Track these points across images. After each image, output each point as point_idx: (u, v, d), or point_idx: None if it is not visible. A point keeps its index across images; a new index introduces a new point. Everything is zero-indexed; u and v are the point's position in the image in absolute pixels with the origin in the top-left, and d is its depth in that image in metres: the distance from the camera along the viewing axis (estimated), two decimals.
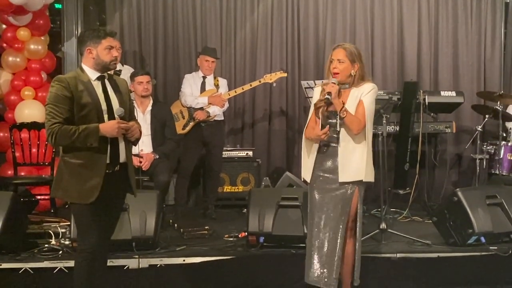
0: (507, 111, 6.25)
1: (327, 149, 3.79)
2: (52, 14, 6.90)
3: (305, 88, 6.35)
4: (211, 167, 6.18)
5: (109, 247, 3.69)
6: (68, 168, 3.36)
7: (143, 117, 5.48)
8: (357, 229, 3.81)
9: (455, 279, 4.50)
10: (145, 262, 4.38)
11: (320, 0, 7.13)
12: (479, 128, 6.13)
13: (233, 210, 6.44)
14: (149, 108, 5.58)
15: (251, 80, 6.55)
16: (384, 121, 5.21)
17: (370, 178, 3.81)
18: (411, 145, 6.17)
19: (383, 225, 4.91)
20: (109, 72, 3.54)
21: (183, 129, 5.98)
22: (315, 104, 3.78)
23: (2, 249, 4.45)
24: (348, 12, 7.14)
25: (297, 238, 4.58)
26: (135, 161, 4.84)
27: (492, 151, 6.16)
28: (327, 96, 3.63)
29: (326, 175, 3.80)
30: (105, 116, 3.38)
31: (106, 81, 3.48)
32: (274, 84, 6.30)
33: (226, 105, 6.14)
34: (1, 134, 6.33)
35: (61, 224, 4.97)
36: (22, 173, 6.07)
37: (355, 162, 3.73)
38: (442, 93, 6.54)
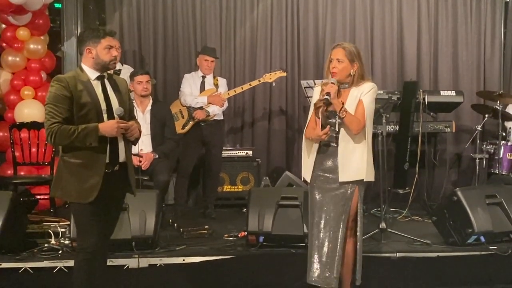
0: (506, 110, 6.25)
1: (327, 149, 3.79)
2: (52, 13, 6.90)
3: (304, 87, 6.35)
4: (210, 166, 6.18)
5: (108, 246, 3.69)
6: (68, 168, 3.36)
7: (143, 117, 5.48)
8: (358, 228, 3.81)
9: (454, 278, 4.50)
10: (144, 262, 4.38)
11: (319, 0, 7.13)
12: (479, 127, 6.14)
13: (233, 210, 6.44)
14: (149, 107, 5.58)
15: (251, 80, 6.54)
16: (384, 121, 5.21)
17: (370, 177, 3.81)
18: (411, 144, 6.17)
19: (382, 225, 4.91)
20: (108, 72, 3.54)
21: (182, 128, 5.98)
22: (314, 104, 3.78)
23: (2, 248, 4.45)
24: (347, 11, 7.14)
25: (296, 238, 4.59)
26: (135, 160, 4.84)
27: (492, 150, 6.17)
28: (326, 96, 3.63)
29: (326, 174, 3.80)
30: (105, 116, 3.38)
31: (106, 81, 3.48)
32: (274, 84, 6.31)
33: (226, 104, 6.14)
34: (1, 134, 6.33)
35: (60, 223, 4.96)
36: (22, 173, 6.07)
37: (355, 162, 3.73)
38: (442, 92, 6.54)
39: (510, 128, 6.19)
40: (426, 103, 6.08)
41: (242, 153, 6.76)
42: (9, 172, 6.07)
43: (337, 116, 3.63)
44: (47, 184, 5.73)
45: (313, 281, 3.78)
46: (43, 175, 5.99)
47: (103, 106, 3.39)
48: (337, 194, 3.77)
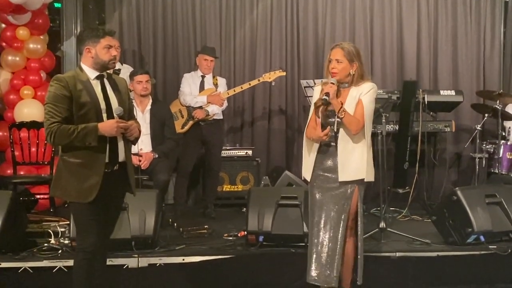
0: (506, 110, 6.26)
1: (327, 148, 3.80)
2: (52, 13, 6.89)
3: (304, 87, 6.35)
4: (210, 166, 6.18)
5: (108, 246, 3.69)
6: (67, 167, 3.36)
7: (143, 116, 5.48)
8: (358, 228, 3.82)
9: (454, 278, 4.51)
10: (144, 261, 4.38)
11: None
12: (479, 127, 6.14)
13: (233, 209, 6.43)
14: (149, 107, 5.58)
15: (250, 79, 6.54)
16: (384, 120, 5.21)
17: (370, 177, 3.82)
18: (411, 144, 6.17)
19: (382, 224, 4.91)
20: (108, 71, 3.54)
21: (182, 128, 5.98)
22: (315, 104, 3.79)
23: (2, 248, 4.45)
24: (347, 11, 7.14)
25: (296, 237, 4.59)
26: (134, 160, 4.84)
27: (492, 150, 6.18)
28: (325, 96, 3.63)
29: (326, 174, 3.81)
30: (104, 115, 3.38)
31: (105, 80, 3.48)
32: (273, 83, 6.32)
33: (225, 104, 6.14)
34: (1, 133, 6.32)
35: (60, 223, 4.96)
36: (22, 172, 6.07)
37: (354, 161, 3.74)
38: (442, 92, 6.54)
39: (509, 127, 6.19)
40: (426, 102, 6.08)
41: (241, 152, 6.77)
42: (8, 171, 6.07)
43: (336, 116, 3.64)
44: (47, 183, 5.72)
45: (313, 281, 3.79)
46: (42, 175, 5.99)
47: (103, 105, 3.39)
48: (337, 194, 3.77)
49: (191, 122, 5.99)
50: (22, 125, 5.99)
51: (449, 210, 4.77)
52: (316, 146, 3.83)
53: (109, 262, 3.89)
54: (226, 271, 4.46)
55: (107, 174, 3.35)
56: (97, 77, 3.44)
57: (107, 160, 3.37)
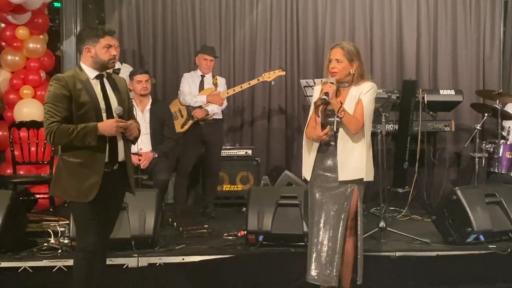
0: (505, 109, 6.26)
1: (327, 148, 3.80)
2: (51, 12, 6.89)
3: (304, 86, 6.35)
4: (210, 165, 6.18)
5: (108, 245, 3.69)
6: (67, 167, 3.36)
7: (142, 116, 5.48)
8: (358, 227, 3.82)
9: (454, 277, 4.51)
10: (144, 261, 4.38)
11: None
12: (478, 126, 6.14)
13: (232, 209, 6.44)
14: (148, 106, 5.58)
15: (250, 79, 6.54)
16: (383, 120, 5.21)
17: (370, 177, 3.82)
18: (410, 143, 6.17)
19: (382, 224, 4.91)
20: (107, 71, 3.54)
21: (181, 127, 5.97)
22: (314, 103, 3.79)
23: (1, 247, 4.44)
24: (347, 10, 7.15)
25: (296, 237, 4.59)
26: (134, 159, 4.84)
27: (491, 149, 6.18)
28: (324, 96, 3.64)
29: (326, 173, 3.81)
30: (104, 115, 3.38)
31: (105, 80, 3.48)
32: (273, 83, 6.32)
33: (225, 103, 6.14)
34: (0, 133, 6.32)
35: (60, 223, 4.95)
36: (21, 172, 6.06)
37: (354, 161, 3.74)
38: (441, 91, 6.54)
39: (509, 127, 6.19)
40: (426, 102, 6.08)
41: (241, 152, 6.77)
42: (8, 171, 6.07)
43: (336, 116, 3.64)
44: (47, 183, 5.72)
45: (312, 280, 3.79)
46: (42, 174, 5.99)
47: (102, 105, 3.39)
48: (337, 193, 3.78)
49: (190, 122, 5.99)
50: (21, 124, 5.99)
51: (449, 209, 4.77)
52: (316, 145, 3.83)
53: (109, 261, 3.89)
54: (226, 270, 4.46)
55: (106, 174, 3.35)
56: (96, 77, 3.44)
57: (106, 160, 3.37)
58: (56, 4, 7.00)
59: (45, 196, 5.83)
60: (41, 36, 6.40)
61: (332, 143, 3.77)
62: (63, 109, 3.28)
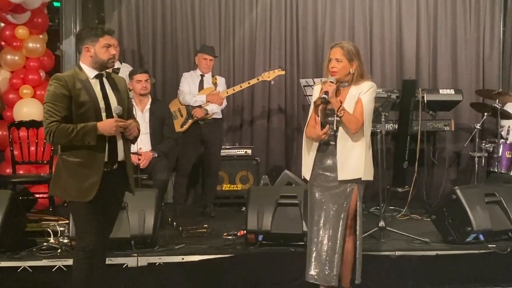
0: (505, 108, 6.25)
1: (326, 147, 3.80)
2: (51, 12, 6.89)
3: (303, 86, 6.35)
4: (209, 165, 6.18)
5: (107, 245, 3.69)
6: (66, 167, 3.35)
7: (142, 115, 5.48)
8: (357, 227, 3.82)
9: (453, 277, 4.50)
10: (143, 261, 4.38)
11: None
12: (478, 126, 6.14)
13: (232, 209, 6.44)
14: (148, 106, 5.57)
15: (250, 78, 6.54)
16: (383, 119, 5.21)
17: (369, 176, 3.82)
18: (410, 143, 6.17)
19: (381, 223, 4.91)
20: (107, 70, 3.54)
21: (181, 127, 5.97)
22: (314, 102, 3.80)
23: (1, 247, 4.44)
24: (347, 10, 7.15)
25: (295, 236, 4.59)
26: (134, 159, 4.84)
27: (491, 149, 6.18)
28: (324, 95, 3.64)
29: (325, 173, 3.81)
30: (103, 115, 3.38)
31: (104, 79, 3.47)
32: (272, 82, 6.33)
33: (224, 103, 6.14)
34: (0, 133, 6.32)
35: (59, 222, 4.95)
36: (21, 172, 6.06)
37: (354, 160, 3.74)
38: (441, 91, 6.54)
39: (509, 126, 6.19)
40: (425, 101, 6.08)
41: (241, 151, 6.76)
42: (8, 171, 6.07)
43: (335, 115, 3.65)
44: (46, 183, 5.73)
45: (312, 279, 3.79)
46: (42, 174, 5.99)
47: (102, 104, 3.39)
48: (337, 193, 3.78)
49: (190, 121, 5.99)
50: (21, 124, 5.99)
51: (449, 209, 4.77)
52: (315, 145, 3.83)
53: (108, 261, 3.89)
54: (225, 270, 4.45)
55: (106, 173, 3.35)
56: (96, 76, 3.43)
57: (106, 159, 3.37)
58: (56, 4, 7.00)
59: (45, 195, 5.83)
60: (40, 36, 6.40)
61: (331, 142, 3.77)
62: (62, 109, 3.28)
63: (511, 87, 7.15)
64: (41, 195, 5.89)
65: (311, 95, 4.03)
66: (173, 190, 6.20)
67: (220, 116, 6.23)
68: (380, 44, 7.18)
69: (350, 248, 3.84)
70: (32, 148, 5.97)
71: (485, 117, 6.18)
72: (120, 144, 3.44)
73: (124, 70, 6.04)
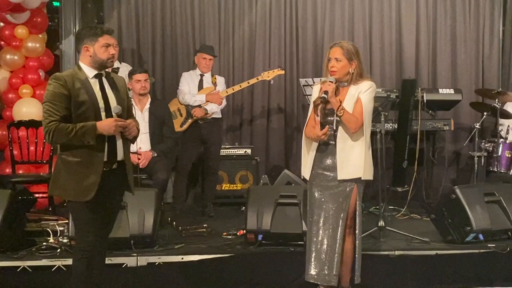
0: (504, 108, 6.26)
1: (326, 147, 3.80)
2: (50, 11, 6.89)
3: (303, 85, 6.35)
4: (209, 165, 6.17)
5: (107, 245, 3.69)
6: (66, 166, 3.35)
7: (141, 115, 5.48)
8: (357, 226, 3.82)
9: (453, 276, 4.50)
10: (143, 260, 4.38)
11: None
12: (477, 125, 6.14)
13: (232, 208, 6.44)
14: (147, 106, 5.57)
15: (249, 78, 6.54)
16: (383, 119, 5.21)
17: (369, 176, 3.82)
18: (410, 142, 6.16)
19: (381, 223, 4.91)
20: (106, 70, 3.53)
21: (180, 127, 5.97)
22: (313, 102, 3.80)
23: (0, 247, 4.45)
24: (346, 9, 7.14)
25: (295, 236, 4.59)
26: (133, 158, 4.83)
27: (490, 148, 6.17)
28: (323, 95, 3.64)
29: (325, 172, 3.81)
30: (103, 114, 3.37)
31: (104, 79, 3.47)
32: (272, 82, 6.33)
33: (224, 102, 6.14)
34: None
35: (59, 222, 4.96)
36: (20, 171, 6.06)
37: (353, 159, 3.74)
38: (440, 90, 6.54)
39: (508, 126, 6.19)
40: (425, 101, 6.07)
41: (240, 151, 6.76)
42: (7, 170, 6.06)
43: (335, 114, 3.65)
44: (46, 182, 5.72)
45: (312, 279, 3.80)
46: (41, 174, 5.99)
47: (101, 104, 3.39)
48: (336, 192, 3.78)
49: (190, 121, 5.99)
50: (20, 124, 5.99)
51: (448, 208, 4.77)
52: (315, 144, 3.83)
53: (108, 261, 3.90)
54: (225, 270, 4.45)
55: (105, 173, 3.35)
56: (95, 76, 3.43)
57: (105, 159, 3.37)
58: (55, 3, 7.00)
59: (44, 195, 5.83)
60: (40, 35, 6.40)
61: (331, 142, 3.77)
62: (61, 108, 3.28)
63: (511, 86, 7.15)
64: (40, 195, 5.89)
65: (311, 95, 4.02)
66: (173, 189, 6.20)
67: (220, 116, 6.23)
68: (379, 44, 7.17)
69: (349, 248, 3.84)
70: (32, 148, 5.97)
71: (484, 116, 6.17)
72: (119, 143, 3.44)
73: (124, 69, 6.03)
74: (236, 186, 6.66)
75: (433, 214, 4.99)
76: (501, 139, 6.09)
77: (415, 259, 4.53)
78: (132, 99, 5.07)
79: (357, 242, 3.83)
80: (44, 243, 4.60)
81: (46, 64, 6.51)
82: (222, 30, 7.13)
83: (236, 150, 6.76)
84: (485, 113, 6.16)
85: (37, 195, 5.86)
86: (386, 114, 5.36)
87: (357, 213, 3.81)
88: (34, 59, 6.36)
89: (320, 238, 3.78)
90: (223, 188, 6.62)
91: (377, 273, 4.40)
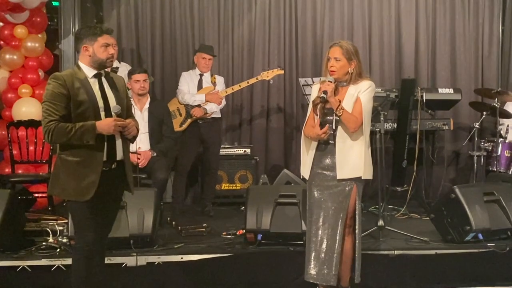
0: (504, 108, 6.26)
1: (325, 146, 3.80)
2: (50, 11, 6.88)
3: (302, 85, 6.35)
4: (208, 164, 6.18)
5: (106, 244, 3.69)
6: (65, 166, 3.35)
7: (141, 115, 5.48)
8: (356, 226, 3.82)
9: (452, 276, 4.51)
10: (142, 260, 4.38)
11: None
12: (477, 125, 6.14)
13: (231, 208, 6.44)
14: (147, 105, 5.58)
15: (249, 78, 6.55)
16: (382, 119, 5.21)
17: (368, 175, 3.82)
18: (409, 142, 6.16)
19: (380, 222, 4.92)
20: (106, 70, 3.53)
21: (180, 126, 5.97)
22: (313, 101, 3.80)
23: (0, 247, 4.45)
24: (345, 9, 7.14)
25: (295, 235, 4.59)
26: (133, 158, 4.83)
27: (490, 148, 6.18)
28: (323, 94, 3.64)
29: (324, 172, 3.81)
30: (102, 114, 3.38)
31: (103, 79, 3.48)
32: (271, 81, 6.33)
33: (223, 102, 6.14)
34: None
35: (58, 222, 4.95)
36: (20, 171, 6.05)
37: (353, 159, 3.74)
38: (440, 90, 6.54)
39: (508, 125, 6.19)
40: (424, 100, 6.07)
41: (240, 151, 6.76)
42: (6, 170, 6.06)
43: (334, 114, 3.65)
44: (45, 182, 5.71)
45: (311, 279, 3.79)
46: (40, 173, 5.98)
47: (101, 104, 3.39)
48: (336, 192, 3.78)
49: (189, 121, 5.99)
50: (20, 123, 5.99)
51: (448, 208, 4.77)
52: (314, 144, 3.83)
53: (107, 260, 3.90)
54: (224, 269, 4.45)
55: (105, 173, 3.35)
56: (94, 75, 3.43)
57: (105, 159, 3.37)
58: (55, 3, 6.99)
59: (44, 195, 5.82)
60: (39, 35, 6.40)
61: (330, 141, 3.77)
62: (61, 108, 3.28)
63: (510, 86, 7.15)
64: (40, 195, 5.88)
65: (310, 94, 4.03)
66: (172, 189, 6.20)
67: (219, 116, 6.23)
68: (379, 43, 7.17)
69: (349, 247, 3.84)
70: (31, 148, 5.96)
71: (484, 116, 6.17)
72: (119, 143, 3.45)
73: (123, 69, 6.03)
74: (236, 186, 6.66)
75: (432, 214, 4.99)
76: (501, 139, 6.10)
77: (414, 258, 4.53)
78: (131, 99, 5.08)
79: (356, 241, 3.83)
80: (44, 243, 4.60)
81: (45, 64, 6.50)
82: (222, 29, 7.13)
83: (235, 149, 6.76)
84: (484, 113, 6.16)
85: (36, 195, 5.86)
86: (386, 113, 5.36)
87: (356, 212, 3.81)
88: (33, 59, 6.35)
89: (319, 238, 3.78)
90: (222, 187, 6.63)
91: (377, 272, 4.40)
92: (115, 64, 5.82)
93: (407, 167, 6.23)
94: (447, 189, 5.57)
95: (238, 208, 6.26)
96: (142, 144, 5.34)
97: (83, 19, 7.12)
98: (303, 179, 4.03)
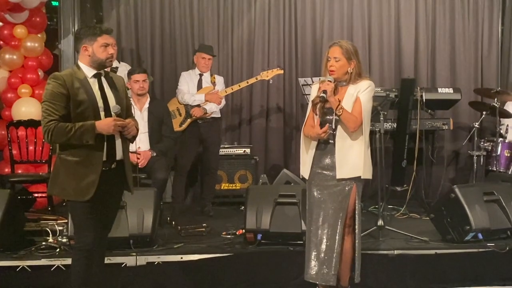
0: (504, 107, 6.26)
1: (325, 146, 3.80)
2: (49, 11, 6.89)
3: (302, 85, 6.35)
4: (208, 164, 6.18)
5: (106, 244, 3.69)
6: (65, 166, 3.35)
7: (140, 115, 5.48)
8: (356, 226, 3.82)
9: (452, 275, 4.50)
10: (142, 260, 4.38)
11: None
12: (476, 125, 6.14)
13: (231, 208, 6.44)
14: (146, 105, 5.57)
15: (248, 77, 6.55)
16: (382, 118, 5.21)
17: (368, 175, 3.81)
18: (409, 142, 6.16)
19: (380, 222, 4.92)
20: (105, 69, 3.53)
21: (180, 126, 5.97)
22: (312, 101, 3.80)
23: (0, 247, 4.44)
24: (345, 8, 7.14)
25: (294, 235, 4.59)
26: (132, 158, 4.83)
27: (490, 148, 6.18)
28: (322, 94, 3.64)
29: (324, 172, 3.81)
30: (102, 114, 3.38)
31: (103, 78, 3.48)
32: (271, 81, 6.33)
33: (223, 102, 6.14)
34: None
35: (58, 221, 4.95)
36: (19, 171, 6.05)
37: (352, 159, 3.74)
38: (439, 90, 6.54)
39: (507, 125, 6.19)
40: (424, 100, 6.08)
41: (240, 151, 6.76)
42: (6, 170, 6.06)
43: (334, 114, 3.65)
44: (45, 182, 5.71)
45: (311, 278, 3.79)
46: (40, 173, 5.98)
47: (100, 103, 3.39)
48: (335, 191, 3.77)
49: (189, 120, 5.99)
50: (19, 123, 5.99)
51: (447, 208, 4.77)
52: (314, 144, 3.83)
53: (107, 260, 3.90)
54: (224, 269, 4.45)
55: (104, 172, 3.35)
56: (94, 75, 3.43)
57: (104, 159, 3.37)
58: (54, 3, 7.00)
59: (43, 195, 5.83)
60: (39, 35, 6.40)
61: (330, 141, 3.77)
62: (61, 108, 3.28)
63: (510, 86, 7.15)
64: (39, 195, 5.89)
65: (310, 94, 4.03)
66: (172, 189, 6.20)
67: (219, 115, 6.23)
68: (378, 43, 7.17)
69: (348, 247, 3.84)
70: (31, 148, 5.97)
71: (483, 116, 6.18)
72: (118, 143, 3.45)
73: (122, 69, 6.03)
74: (235, 186, 6.66)
75: (432, 213, 4.99)
76: (500, 139, 6.10)
77: (414, 258, 4.53)
78: (131, 99, 5.07)
79: (356, 241, 3.83)
80: (43, 243, 4.60)
81: (45, 63, 6.50)
82: (221, 29, 7.13)
83: (235, 149, 6.76)
84: (484, 113, 6.17)
85: (36, 195, 5.87)
86: (385, 113, 5.36)
87: (356, 212, 3.81)
88: (33, 58, 6.35)
89: (319, 238, 3.77)
90: (222, 187, 6.62)
91: (376, 272, 4.40)
92: (115, 64, 5.82)
93: (407, 167, 6.23)
94: (447, 188, 5.56)
95: (237, 208, 6.26)
96: (141, 144, 5.35)
97: (83, 19, 7.13)
98: (303, 178, 4.03)
